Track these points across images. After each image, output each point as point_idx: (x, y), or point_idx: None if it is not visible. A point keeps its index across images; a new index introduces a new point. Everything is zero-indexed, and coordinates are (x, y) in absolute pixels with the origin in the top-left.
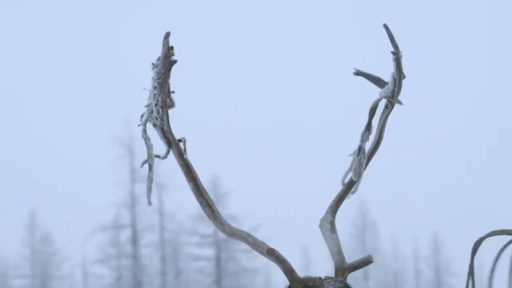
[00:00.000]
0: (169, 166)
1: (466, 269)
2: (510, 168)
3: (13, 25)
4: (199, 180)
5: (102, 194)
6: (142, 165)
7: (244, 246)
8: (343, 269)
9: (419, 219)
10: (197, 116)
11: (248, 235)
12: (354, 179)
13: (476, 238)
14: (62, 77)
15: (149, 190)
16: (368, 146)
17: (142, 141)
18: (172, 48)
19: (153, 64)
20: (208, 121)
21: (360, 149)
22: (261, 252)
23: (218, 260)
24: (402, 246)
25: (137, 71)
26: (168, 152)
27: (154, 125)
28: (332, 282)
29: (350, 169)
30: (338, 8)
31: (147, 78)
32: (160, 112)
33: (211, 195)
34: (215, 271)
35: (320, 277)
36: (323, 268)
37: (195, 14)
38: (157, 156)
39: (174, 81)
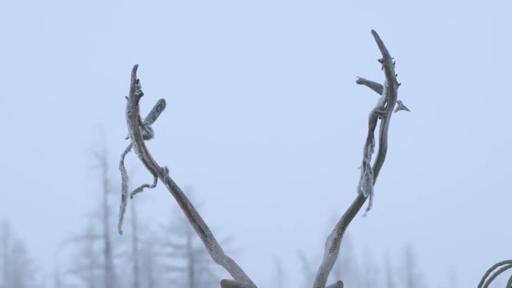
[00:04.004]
0: (142, 177)
1: (438, 281)
2: (489, 181)
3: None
4: (190, 205)
5: (75, 204)
6: (132, 196)
7: None
8: None
9: (392, 230)
10: (171, 125)
11: (228, 261)
12: (365, 195)
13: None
14: (46, 78)
15: (121, 219)
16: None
17: (115, 151)
18: (138, 81)
19: (126, 97)
20: (183, 130)
21: (365, 164)
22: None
23: (191, 271)
24: (375, 257)
25: (114, 83)
26: (155, 181)
27: (139, 157)
28: None
29: (360, 184)
30: (337, 13)
31: (122, 90)
32: (136, 145)
33: None
34: (188, 282)
35: None
36: (296, 280)
37: (185, 19)
38: (147, 186)
39: (152, 90)
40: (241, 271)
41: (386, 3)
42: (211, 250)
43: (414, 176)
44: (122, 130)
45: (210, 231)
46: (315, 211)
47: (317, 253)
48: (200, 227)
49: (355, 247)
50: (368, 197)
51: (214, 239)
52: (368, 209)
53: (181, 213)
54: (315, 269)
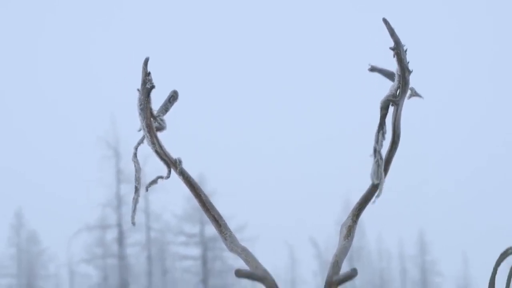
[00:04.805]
0: (155, 167)
1: (451, 268)
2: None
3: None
4: (204, 196)
5: (88, 194)
6: (147, 189)
7: None
8: (330, 284)
9: (405, 217)
10: (184, 117)
11: (243, 250)
12: (375, 182)
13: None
14: (46, 78)
15: (134, 211)
16: (386, 146)
17: (128, 142)
18: (149, 74)
19: (138, 90)
20: (196, 121)
21: (376, 150)
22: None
23: (204, 259)
24: (388, 244)
25: (124, 72)
26: (169, 172)
27: (152, 149)
28: None
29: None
30: (337, 13)
31: (133, 79)
32: (149, 137)
33: None
34: (201, 270)
35: None
36: (309, 267)
37: (185, 20)
38: (161, 177)
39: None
40: (256, 259)
41: (386, 3)
42: (225, 239)
43: (429, 157)
44: (134, 120)
45: (224, 221)
46: (328, 197)
47: (330, 240)
48: (214, 217)
49: (368, 234)
50: (379, 184)
51: (228, 228)
52: (377, 195)
53: (194, 202)
54: (328, 256)
